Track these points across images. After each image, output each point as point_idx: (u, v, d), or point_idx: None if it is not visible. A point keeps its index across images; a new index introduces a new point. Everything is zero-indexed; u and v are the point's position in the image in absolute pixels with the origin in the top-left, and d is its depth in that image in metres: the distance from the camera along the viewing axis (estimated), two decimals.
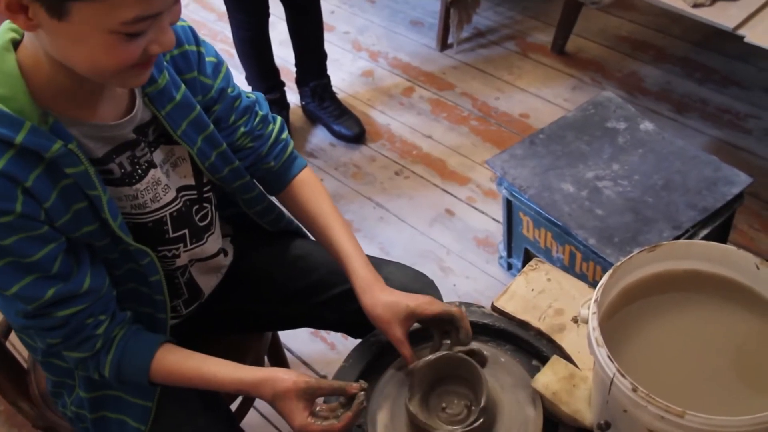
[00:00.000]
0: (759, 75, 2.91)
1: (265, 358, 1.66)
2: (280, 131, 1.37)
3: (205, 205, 1.28)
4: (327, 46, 2.79)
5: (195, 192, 1.26)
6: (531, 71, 3.08)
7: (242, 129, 1.30)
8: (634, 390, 0.90)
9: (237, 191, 1.32)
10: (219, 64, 1.26)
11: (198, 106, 1.20)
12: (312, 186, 1.38)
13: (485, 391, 1.10)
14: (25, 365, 1.52)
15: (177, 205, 1.21)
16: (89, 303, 1.10)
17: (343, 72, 3.14)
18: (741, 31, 2.04)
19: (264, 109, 1.35)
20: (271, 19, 2.62)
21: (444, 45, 3.22)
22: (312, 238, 1.42)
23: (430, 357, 1.17)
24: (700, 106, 2.83)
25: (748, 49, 2.06)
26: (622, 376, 0.91)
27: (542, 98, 2.95)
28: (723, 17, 2.08)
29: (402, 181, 2.68)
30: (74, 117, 1.05)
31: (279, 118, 1.39)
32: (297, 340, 2.19)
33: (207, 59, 1.23)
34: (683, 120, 2.78)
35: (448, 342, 1.20)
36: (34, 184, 1.00)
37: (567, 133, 2.08)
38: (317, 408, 1.13)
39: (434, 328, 1.22)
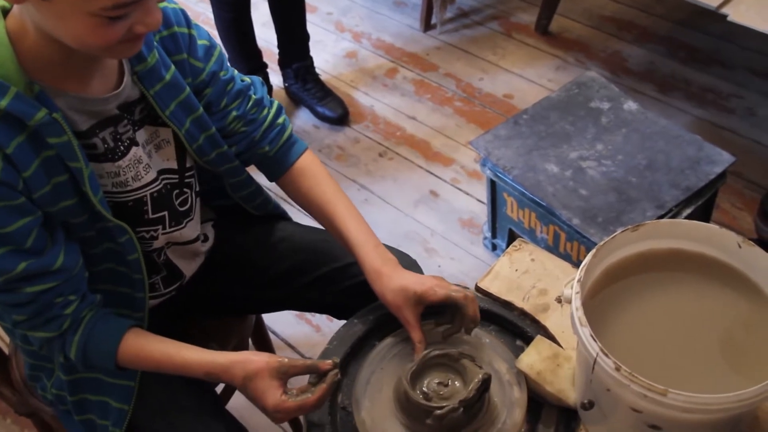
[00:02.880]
0: (742, 54, 2.92)
1: (249, 341, 1.66)
2: (276, 115, 1.34)
3: (185, 190, 1.27)
4: (310, 27, 2.77)
5: (176, 176, 1.24)
6: (515, 51, 3.07)
7: (234, 113, 1.28)
8: (617, 369, 0.91)
9: (224, 175, 1.31)
10: (212, 47, 1.24)
11: (188, 88, 1.18)
12: (313, 171, 1.35)
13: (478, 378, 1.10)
14: (6, 351, 1.50)
15: (157, 186, 1.20)
16: (60, 281, 1.09)
17: (326, 53, 3.12)
18: (724, 10, 2.04)
19: (259, 92, 1.33)
20: (253, 0, 2.59)
21: (427, 25, 3.20)
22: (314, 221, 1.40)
23: (429, 354, 1.15)
24: (684, 85, 2.83)
25: (731, 28, 2.05)
26: (605, 355, 0.92)
27: (526, 78, 2.94)
28: None
29: (386, 162, 2.67)
30: (61, 88, 1.04)
31: (276, 102, 1.36)
32: (282, 322, 2.19)
33: (199, 42, 1.21)
34: (666, 99, 2.78)
35: (449, 326, 1.20)
36: (14, 151, 0.99)
37: (551, 114, 2.08)
38: (288, 388, 1.12)
39: (446, 309, 1.21)
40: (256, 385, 1.10)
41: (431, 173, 2.61)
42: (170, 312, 1.37)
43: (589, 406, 1.02)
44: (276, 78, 2.91)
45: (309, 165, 1.35)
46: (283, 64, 2.82)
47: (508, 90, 2.90)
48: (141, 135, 1.17)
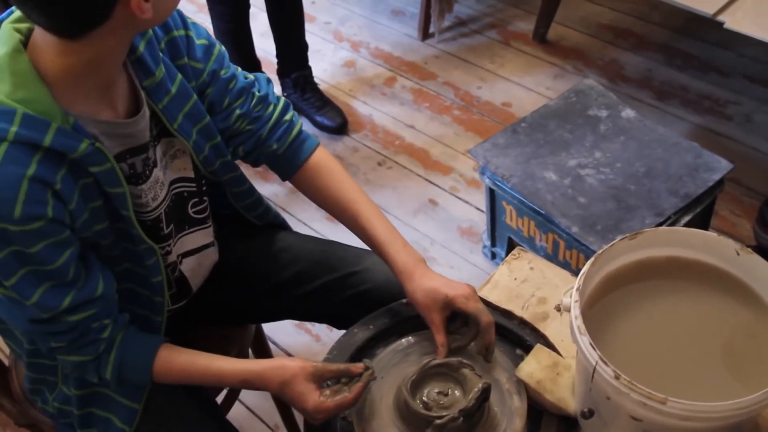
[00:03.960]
0: (739, 61, 2.93)
1: (249, 351, 1.66)
2: (283, 112, 1.31)
3: (204, 198, 1.27)
4: (308, 37, 2.77)
5: (194, 185, 1.24)
6: (513, 60, 3.08)
7: (238, 111, 1.26)
8: (617, 377, 0.91)
9: (227, 184, 1.31)
10: (211, 46, 1.22)
11: (194, 95, 1.18)
12: (329, 168, 1.32)
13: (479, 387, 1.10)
14: (6, 362, 1.50)
15: (168, 201, 1.20)
16: (100, 308, 1.08)
17: (325, 63, 3.13)
18: (720, 17, 2.05)
19: (264, 89, 1.30)
20: (252, 10, 2.60)
21: (425, 34, 3.21)
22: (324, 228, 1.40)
23: (431, 362, 1.15)
24: (681, 93, 2.84)
25: (727, 35, 2.06)
26: (605, 363, 0.92)
27: (524, 87, 2.95)
28: (702, 3, 2.09)
29: (385, 171, 2.67)
30: (90, 115, 1.03)
31: (282, 99, 1.33)
32: (282, 332, 2.18)
33: (197, 42, 1.20)
34: (664, 107, 2.79)
35: (458, 336, 1.20)
36: (62, 185, 0.98)
37: (549, 122, 2.09)
38: (322, 390, 1.13)
39: (459, 318, 1.21)
40: (293, 389, 1.12)
41: (430, 182, 2.62)
42: (172, 324, 1.37)
43: (589, 414, 1.02)
44: (275, 87, 2.91)
45: (323, 162, 1.32)
46: (281, 73, 2.83)
47: (506, 98, 2.91)
48: (159, 149, 1.16)
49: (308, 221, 2.48)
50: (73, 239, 1.03)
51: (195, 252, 1.32)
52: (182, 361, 1.16)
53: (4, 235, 0.96)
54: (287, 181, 1.36)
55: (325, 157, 1.33)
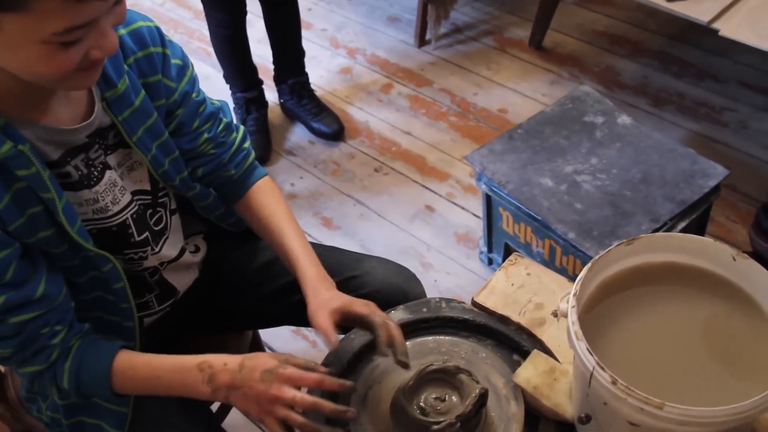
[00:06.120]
0: (734, 68, 2.94)
1: None
2: (243, 140, 1.36)
3: (158, 209, 1.26)
4: (305, 44, 2.78)
5: (149, 197, 1.24)
6: (509, 66, 3.09)
7: (206, 135, 1.28)
8: (614, 383, 0.91)
9: (192, 199, 1.32)
10: (184, 66, 1.23)
11: (155, 113, 1.17)
12: (268, 193, 1.36)
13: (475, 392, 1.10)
14: (2, 369, 1.50)
15: (134, 208, 1.20)
16: (44, 310, 1.06)
17: (321, 69, 3.13)
18: (715, 25, 2.06)
19: (228, 116, 1.34)
20: (249, 17, 2.60)
21: (422, 41, 3.22)
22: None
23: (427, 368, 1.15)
24: (677, 99, 2.85)
25: (723, 42, 2.07)
26: (602, 369, 0.92)
27: (520, 93, 2.96)
28: (697, 11, 2.10)
29: (381, 177, 2.67)
30: (28, 118, 1.02)
31: (242, 128, 1.38)
32: (279, 338, 2.18)
33: (172, 61, 1.20)
34: (660, 113, 2.79)
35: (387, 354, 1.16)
36: None
37: (545, 128, 2.09)
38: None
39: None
40: (254, 360, 1.08)
41: (427, 188, 2.62)
42: (166, 330, 1.37)
43: (586, 420, 1.02)
44: (271, 94, 2.92)
45: (265, 187, 1.37)
46: (278, 80, 2.83)
47: (502, 105, 2.92)
48: (113, 159, 1.16)
49: (306, 228, 2.47)
50: (7, 241, 1.01)
51: (174, 260, 1.32)
52: (141, 358, 1.14)
53: None
54: (234, 207, 1.39)
55: (268, 185, 1.38)
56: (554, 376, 1.12)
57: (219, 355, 1.11)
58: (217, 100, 1.34)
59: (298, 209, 2.56)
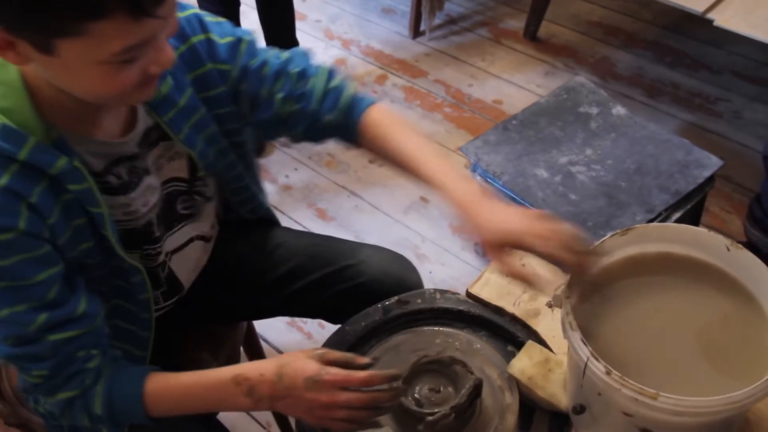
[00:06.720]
0: (729, 59, 2.94)
1: (241, 349, 1.65)
2: (327, 80, 1.23)
3: (195, 197, 1.25)
4: (299, 35, 2.77)
5: (186, 185, 1.22)
6: (504, 57, 3.08)
7: (279, 95, 1.20)
8: (608, 373, 0.91)
9: (229, 182, 1.29)
10: (237, 41, 1.17)
11: (202, 108, 1.14)
12: (382, 124, 1.21)
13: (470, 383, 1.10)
14: None
15: (160, 203, 1.18)
16: (83, 330, 1.04)
17: (316, 61, 3.12)
18: (710, 15, 2.05)
19: (299, 64, 1.23)
20: (243, 8, 2.60)
21: (416, 32, 3.21)
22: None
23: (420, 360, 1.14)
24: (671, 90, 2.85)
25: (717, 32, 2.07)
26: (596, 359, 0.92)
27: (515, 84, 2.95)
28: (692, 1, 2.09)
29: (376, 169, 2.67)
30: (78, 132, 1.01)
31: (324, 68, 1.25)
32: (273, 330, 2.18)
33: (221, 42, 1.15)
34: (655, 104, 2.79)
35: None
36: (38, 200, 0.96)
37: (540, 119, 2.09)
38: None
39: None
40: (292, 366, 1.04)
41: None
42: (165, 323, 1.36)
43: (580, 410, 1.02)
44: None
45: (378, 118, 1.22)
46: None
47: (497, 96, 2.91)
48: (153, 155, 1.14)
49: (300, 219, 2.48)
50: (55, 258, 1.00)
51: (182, 247, 1.29)
52: (174, 376, 1.10)
53: None
54: (356, 146, 1.26)
55: (380, 115, 1.23)
56: (549, 366, 1.12)
57: (251, 364, 1.09)
58: (286, 52, 1.23)
59: (292, 201, 2.55)
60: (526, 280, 1.05)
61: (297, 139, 1.28)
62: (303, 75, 1.22)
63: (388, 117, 1.23)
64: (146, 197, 1.14)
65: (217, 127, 1.19)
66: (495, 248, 1.05)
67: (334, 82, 1.24)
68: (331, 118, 1.22)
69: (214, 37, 1.15)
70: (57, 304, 1.01)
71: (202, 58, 1.13)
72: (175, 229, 1.26)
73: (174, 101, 1.11)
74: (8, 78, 0.95)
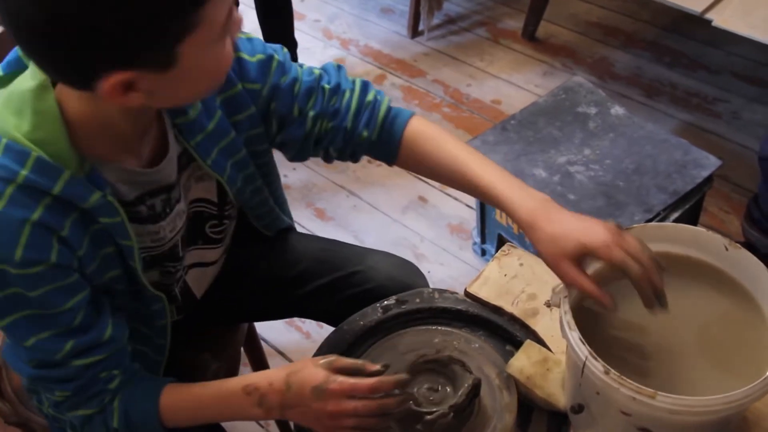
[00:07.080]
0: (727, 59, 2.94)
1: (242, 350, 1.65)
2: (361, 95, 1.18)
3: (224, 222, 1.23)
4: (297, 35, 2.77)
5: (216, 208, 1.21)
6: (502, 57, 3.08)
7: (311, 113, 1.16)
8: (606, 372, 0.91)
9: (254, 207, 1.28)
10: (267, 59, 1.13)
11: (232, 132, 1.12)
12: (424, 137, 1.18)
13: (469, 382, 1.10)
14: None
15: (186, 223, 1.16)
16: (109, 353, 1.04)
17: (314, 60, 3.12)
18: (708, 15, 2.06)
19: (332, 79, 1.18)
20: (241, 8, 2.60)
21: (415, 32, 3.21)
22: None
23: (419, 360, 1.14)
24: (670, 90, 2.85)
25: (716, 33, 2.07)
26: (594, 358, 0.92)
27: (513, 84, 2.96)
28: (690, 1, 2.09)
29: (375, 168, 2.67)
30: (112, 160, 0.99)
31: (359, 80, 1.20)
32: (272, 330, 2.18)
33: (251, 60, 1.11)
34: (653, 104, 2.80)
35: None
36: (69, 232, 0.95)
37: (538, 119, 2.09)
38: None
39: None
40: (301, 374, 1.03)
41: (420, 179, 2.61)
42: (172, 328, 1.36)
43: (579, 409, 1.02)
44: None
45: (418, 132, 1.19)
46: None
47: (495, 96, 2.91)
48: (183, 176, 1.11)
49: (299, 219, 2.47)
50: (83, 285, 0.99)
51: (201, 265, 1.28)
52: (187, 387, 1.10)
53: (4, 277, 0.92)
54: (394, 166, 1.23)
55: (419, 127, 1.19)
56: (547, 366, 1.13)
57: (261, 374, 1.08)
58: (318, 68, 1.18)
59: (291, 201, 2.53)
60: (601, 302, 1.00)
61: (331, 157, 1.24)
62: (336, 90, 1.18)
63: (430, 129, 1.20)
64: (174, 222, 1.12)
65: (246, 150, 1.17)
66: (555, 261, 1.02)
67: (369, 97, 1.20)
68: (368, 135, 1.19)
69: (244, 55, 1.11)
70: (83, 330, 1.00)
71: (232, 79, 1.10)
72: (199, 246, 1.25)
73: (203, 126, 1.08)
74: (45, 108, 0.92)
